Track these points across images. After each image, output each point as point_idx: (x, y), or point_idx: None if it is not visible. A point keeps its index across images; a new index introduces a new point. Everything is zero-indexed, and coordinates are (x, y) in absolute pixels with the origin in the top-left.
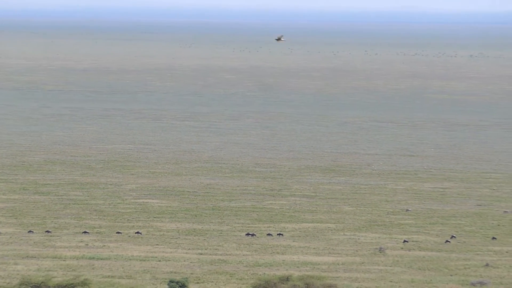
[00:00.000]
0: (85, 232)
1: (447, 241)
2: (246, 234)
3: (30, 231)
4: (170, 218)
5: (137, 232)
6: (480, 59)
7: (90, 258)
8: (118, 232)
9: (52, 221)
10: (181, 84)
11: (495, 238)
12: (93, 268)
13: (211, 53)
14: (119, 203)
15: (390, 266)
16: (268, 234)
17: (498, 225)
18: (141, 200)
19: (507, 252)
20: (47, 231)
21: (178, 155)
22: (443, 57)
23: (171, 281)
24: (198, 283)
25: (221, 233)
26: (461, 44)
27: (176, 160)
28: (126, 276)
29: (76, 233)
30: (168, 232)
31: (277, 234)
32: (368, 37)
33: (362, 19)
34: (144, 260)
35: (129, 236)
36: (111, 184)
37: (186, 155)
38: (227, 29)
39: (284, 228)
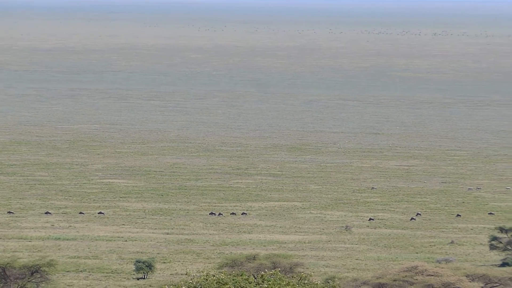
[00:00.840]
0: (47, 212)
1: (412, 218)
2: (209, 213)
3: None
4: (136, 198)
5: (100, 213)
6: (444, 37)
7: (56, 239)
8: (80, 213)
9: (18, 202)
10: (146, 63)
11: (459, 215)
12: (59, 249)
13: (177, 32)
14: (85, 183)
15: (356, 244)
16: (232, 213)
17: (463, 202)
18: (107, 180)
19: (471, 229)
20: (9, 212)
21: (144, 134)
22: (407, 35)
23: (138, 261)
24: (164, 262)
25: (187, 212)
26: (425, 22)
27: (142, 139)
28: (92, 256)
29: (42, 213)
30: (134, 212)
31: (241, 214)
32: (333, 15)
33: None
34: (110, 240)
35: (95, 216)
36: (76, 164)
37: (152, 135)
38: (191, 8)
39: (251, 207)
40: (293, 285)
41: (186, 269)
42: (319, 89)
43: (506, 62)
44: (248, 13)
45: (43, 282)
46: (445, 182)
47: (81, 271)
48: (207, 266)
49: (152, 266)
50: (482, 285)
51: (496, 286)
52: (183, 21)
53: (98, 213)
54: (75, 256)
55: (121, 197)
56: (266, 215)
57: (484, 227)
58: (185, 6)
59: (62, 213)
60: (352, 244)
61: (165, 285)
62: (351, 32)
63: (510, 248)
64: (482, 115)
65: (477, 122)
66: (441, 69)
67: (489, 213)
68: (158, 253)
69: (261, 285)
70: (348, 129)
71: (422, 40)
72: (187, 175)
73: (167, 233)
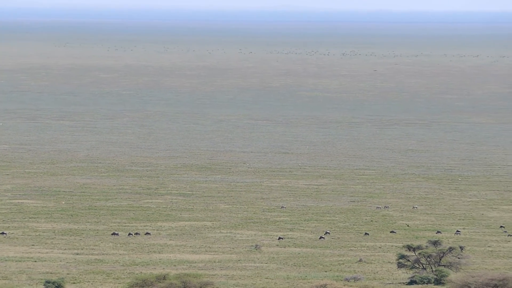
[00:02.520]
0: None
1: (321, 237)
2: (112, 234)
3: None
4: (46, 219)
5: (2, 233)
6: (352, 57)
7: None
8: None
9: None
10: (56, 83)
11: (367, 234)
12: None
13: (86, 52)
14: None
15: (266, 263)
16: (136, 233)
17: (371, 221)
18: (16, 201)
19: (379, 247)
20: None
21: (54, 155)
22: (315, 55)
23: (47, 282)
24: (74, 283)
25: (97, 232)
26: (333, 42)
27: (52, 160)
28: (2, 277)
29: None
30: (44, 232)
31: (145, 234)
32: (242, 35)
33: (235, 17)
34: (19, 261)
35: (4, 237)
36: None
37: (61, 155)
38: (100, 28)
39: (161, 226)
40: None
41: None
42: (229, 109)
43: (413, 81)
44: (158, 33)
45: None
46: (353, 201)
47: None
48: (117, 286)
49: (62, 286)
50: None
51: None
52: (92, 41)
53: (0, 233)
54: None
55: (30, 218)
56: (176, 235)
57: (392, 245)
58: (94, 26)
59: None
60: (262, 263)
61: None
62: (261, 52)
63: (417, 266)
64: (390, 135)
65: (385, 141)
66: (350, 88)
67: (390, 232)
68: (67, 274)
69: None
70: (258, 149)
71: (331, 60)
72: (97, 195)
73: (77, 254)
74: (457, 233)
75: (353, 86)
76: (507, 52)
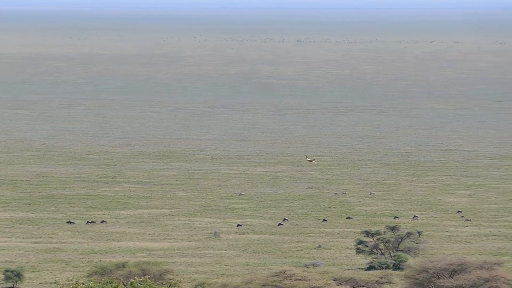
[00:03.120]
0: None
1: (280, 224)
2: (67, 222)
3: None
4: (3, 208)
5: None
6: (307, 44)
7: None
8: None
9: None
10: (9, 72)
11: (326, 220)
12: None
13: (40, 40)
14: None
15: (225, 250)
16: (92, 222)
17: (329, 207)
18: None
19: (338, 233)
20: None
21: (10, 144)
22: (270, 42)
23: (6, 270)
24: (33, 271)
25: (55, 221)
26: (288, 29)
27: (8, 149)
28: None
29: None
30: (2, 221)
31: (101, 222)
32: (197, 23)
33: (189, 5)
34: None
35: None
36: None
37: (17, 144)
38: (53, 17)
39: (119, 214)
40: None
41: (55, 277)
42: (185, 97)
43: (368, 68)
44: (111, 21)
45: None
46: (311, 188)
47: None
48: (76, 275)
49: (21, 275)
50: None
51: None
52: (46, 29)
53: None
54: None
55: None
56: (135, 223)
57: (350, 231)
58: (46, 15)
59: None
60: (221, 250)
61: None
62: (215, 40)
63: (376, 251)
64: (346, 121)
65: (342, 127)
66: (305, 75)
67: (347, 217)
68: (26, 262)
69: None
70: (215, 136)
71: (286, 47)
72: (54, 184)
73: (35, 242)
74: (415, 219)
75: (308, 73)
76: (461, 38)
